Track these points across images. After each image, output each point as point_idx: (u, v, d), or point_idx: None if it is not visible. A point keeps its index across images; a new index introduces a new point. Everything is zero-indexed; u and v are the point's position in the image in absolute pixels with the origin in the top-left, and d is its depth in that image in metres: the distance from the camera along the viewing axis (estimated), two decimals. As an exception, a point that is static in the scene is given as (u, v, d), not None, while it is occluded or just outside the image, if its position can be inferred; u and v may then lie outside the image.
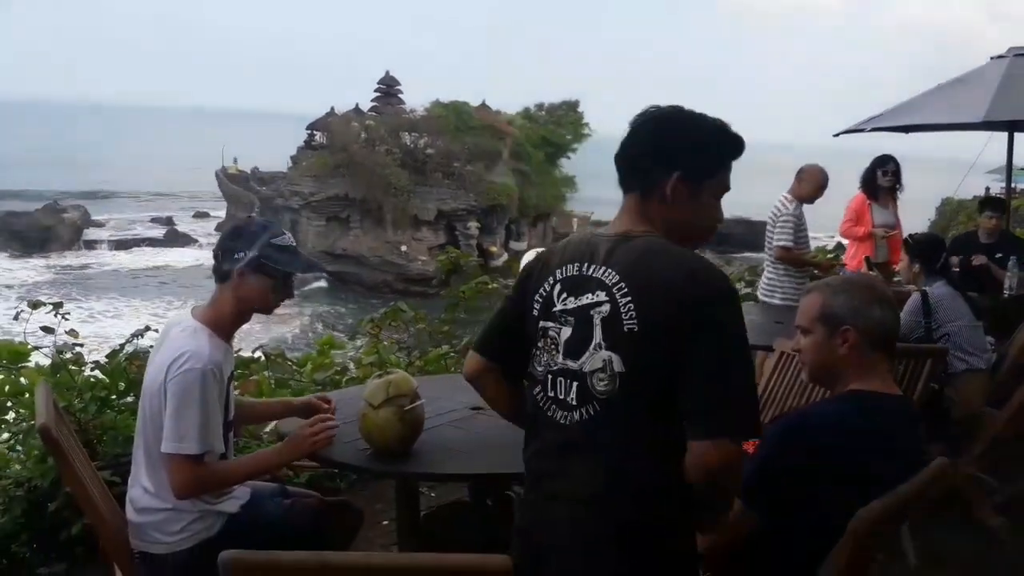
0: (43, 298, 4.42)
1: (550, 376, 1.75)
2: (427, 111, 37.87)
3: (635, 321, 1.65)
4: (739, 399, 1.61)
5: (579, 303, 1.72)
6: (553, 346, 1.75)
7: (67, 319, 4.23)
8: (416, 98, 40.62)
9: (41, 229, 37.26)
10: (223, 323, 2.29)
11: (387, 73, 40.75)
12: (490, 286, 5.89)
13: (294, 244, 2.35)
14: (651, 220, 1.75)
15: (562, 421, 1.72)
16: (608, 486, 1.67)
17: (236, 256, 2.25)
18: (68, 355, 4.06)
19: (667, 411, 1.64)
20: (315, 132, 38.91)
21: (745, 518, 1.87)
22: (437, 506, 2.70)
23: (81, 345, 4.15)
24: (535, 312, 1.80)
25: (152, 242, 40.60)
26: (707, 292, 1.64)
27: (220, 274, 2.29)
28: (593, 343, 1.68)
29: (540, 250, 1.92)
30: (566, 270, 1.76)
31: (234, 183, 40.60)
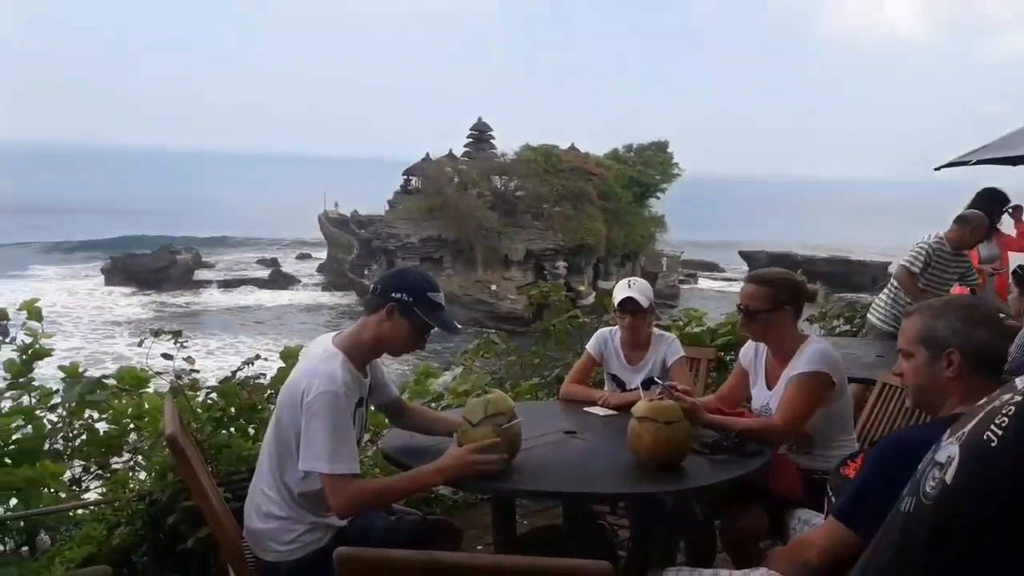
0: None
1: None
2: (517, 155, 38.63)
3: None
4: None
5: None
6: None
7: (185, 347, 4.54)
8: (507, 142, 41.56)
9: (155, 270, 39.56)
10: (359, 352, 2.41)
11: (479, 119, 41.79)
12: (580, 320, 5.95)
13: (444, 304, 2.47)
14: None
15: None
16: None
17: (393, 295, 2.38)
18: (185, 381, 4.34)
19: None
20: (411, 177, 40.21)
21: (846, 540, 1.84)
22: (530, 530, 2.75)
23: (197, 371, 4.42)
24: None
25: (259, 282, 42.36)
26: None
27: (371, 306, 2.42)
28: None
29: None
30: None
31: (334, 226, 42.25)
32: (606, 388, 3.51)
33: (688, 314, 6.03)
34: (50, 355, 4.08)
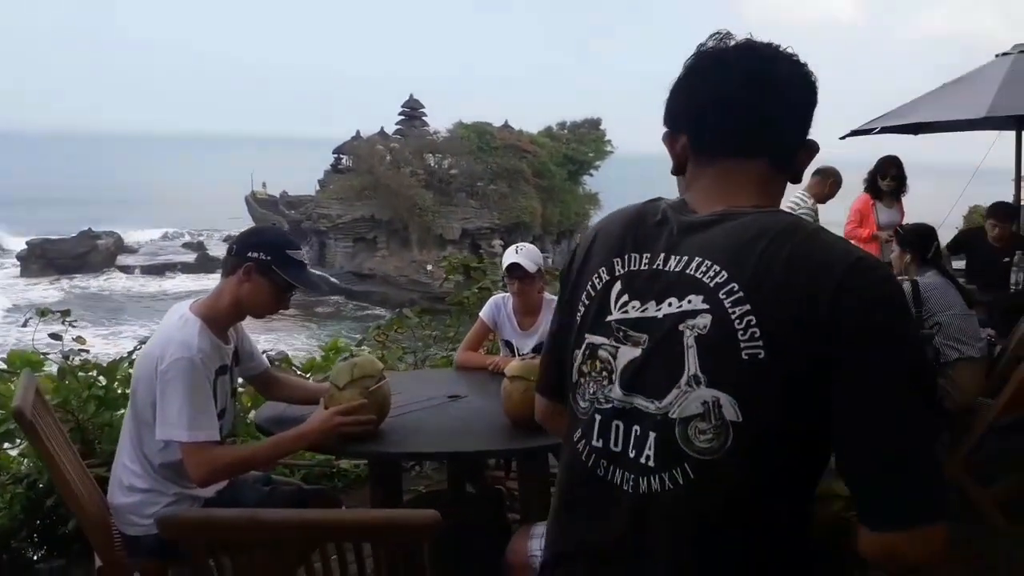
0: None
1: (599, 417, 1.22)
2: (450, 133, 38.34)
3: (760, 344, 1.09)
4: (934, 463, 1.09)
5: (656, 312, 1.19)
6: (605, 374, 1.23)
7: (74, 327, 4.37)
8: (439, 120, 41.16)
9: (75, 256, 38.13)
10: (218, 317, 2.34)
11: (411, 96, 41.28)
12: (495, 292, 5.94)
13: (306, 261, 2.42)
14: (773, 199, 1.26)
15: (626, 488, 1.17)
16: None
17: (249, 255, 2.31)
18: (76, 361, 4.18)
19: (798, 476, 1.15)
20: (342, 156, 39.53)
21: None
22: (413, 496, 2.73)
23: (87, 351, 4.26)
24: (578, 316, 1.29)
25: (185, 267, 41.24)
26: (878, 296, 1.09)
27: (228, 267, 2.35)
28: (685, 376, 1.13)
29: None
30: (628, 260, 1.25)
31: (263, 207, 41.26)
32: (501, 355, 3.51)
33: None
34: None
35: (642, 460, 1.16)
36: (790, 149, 1.26)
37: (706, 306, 1.14)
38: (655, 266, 1.22)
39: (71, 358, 4.14)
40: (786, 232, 1.15)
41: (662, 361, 1.16)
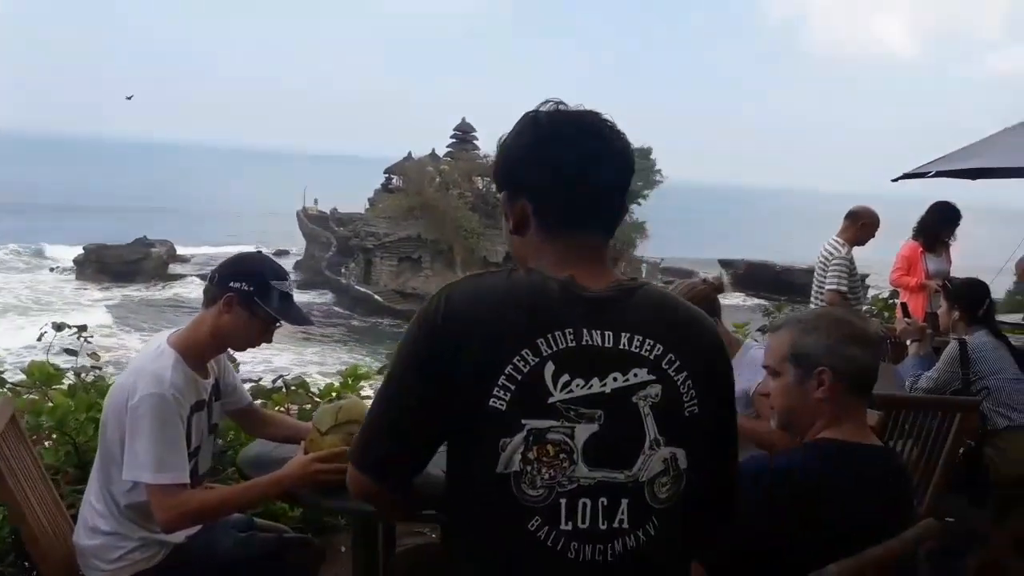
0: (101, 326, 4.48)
1: (564, 499, 1.23)
2: (500, 156, 38.43)
3: (696, 403, 1.30)
4: None
5: (604, 388, 1.24)
6: (563, 456, 1.23)
7: (90, 342, 4.31)
8: (491, 144, 41.30)
9: (128, 262, 39.00)
10: (196, 349, 2.20)
11: (463, 120, 41.60)
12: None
13: (292, 293, 2.28)
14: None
15: (596, 558, 1.23)
16: None
17: (232, 284, 2.17)
18: (89, 378, 4.11)
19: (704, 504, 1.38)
20: (392, 176, 39.92)
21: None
22: (401, 550, 2.55)
23: (99, 368, 4.20)
24: (501, 405, 1.22)
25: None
26: (726, 353, 1.41)
27: (208, 296, 2.23)
28: (648, 440, 1.26)
29: (432, 305, 1.31)
30: (554, 340, 1.24)
31: (313, 223, 41.89)
32: None
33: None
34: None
35: (615, 525, 1.24)
36: (617, 222, 1.40)
37: (653, 377, 1.27)
38: (583, 342, 1.26)
39: (83, 375, 4.09)
40: (674, 299, 1.37)
41: (623, 432, 1.26)
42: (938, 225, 5.64)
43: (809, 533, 1.61)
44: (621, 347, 1.27)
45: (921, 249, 5.69)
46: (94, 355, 4.28)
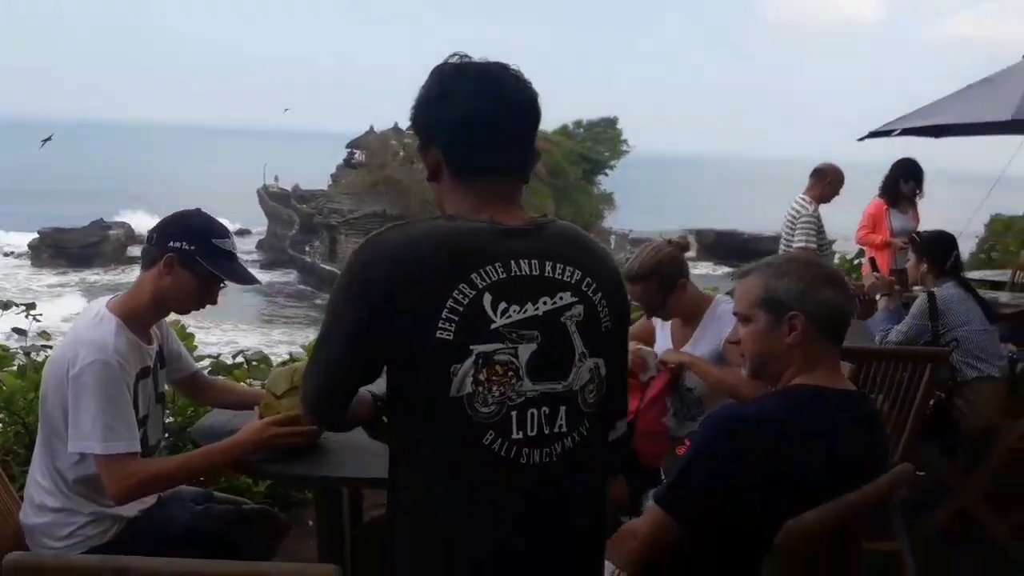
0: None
1: (515, 412, 1.37)
2: (464, 129, 38.09)
3: (610, 319, 1.48)
4: None
5: (538, 311, 1.38)
6: (511, 373, 1.36)
7: (39, 320, 4.16)
8: (454, 116, 40.88)
9: (85, 246, 38.12)
10: (137, 313, 2.11)
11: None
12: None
13: (235, 251, 2.19)
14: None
15: (544, 460, 1.39)
16: (594, 514, 1.50)
17: (171, 244, 2.07)
18: (40, 357, 3.97)
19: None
20: (354, 150, 39.36)
21: (668, 528, 1.63)
22: (369, 520, 2.48)
23: (50, 347, 4.05)
24: (448, 335, 1.33)
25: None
26: (621, 276, 1.61)
27: (147, 258, 2.12)
28: (577, 354, 1.42)
29: (359, 257, 1.42)
30: (486, 273, 1.36)
31: (275, 201, 41.20)
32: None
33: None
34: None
35: (555, 430, 1.40)
36: (528, 168, 1.51)
37: (576, 299, 1.43)
38: (512, 273, 1.39)
39: (33, 354, 3.94)
40: (581, 231, 1.55)
41: (557, 349, 1.41)
42: (898, 179, 5.65)
43: (785, 481, 1.57)
44: (546, 275, 1.41)
45: (886, 207, 5.71)
46: (44, 334, 4.14)
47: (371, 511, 2.84)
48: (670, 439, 2.57)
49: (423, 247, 1.37)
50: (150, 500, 2.17)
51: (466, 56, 1.47)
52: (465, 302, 1.34)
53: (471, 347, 1.34)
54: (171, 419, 3.52)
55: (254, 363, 4.68)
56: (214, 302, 2.17)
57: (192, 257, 2.06)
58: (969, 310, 3.48)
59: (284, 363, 2.18)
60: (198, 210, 2.22)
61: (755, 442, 1.58)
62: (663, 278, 2.63)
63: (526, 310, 1.38)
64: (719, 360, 2.63)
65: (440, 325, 1.33)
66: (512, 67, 1.47)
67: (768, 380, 1.75)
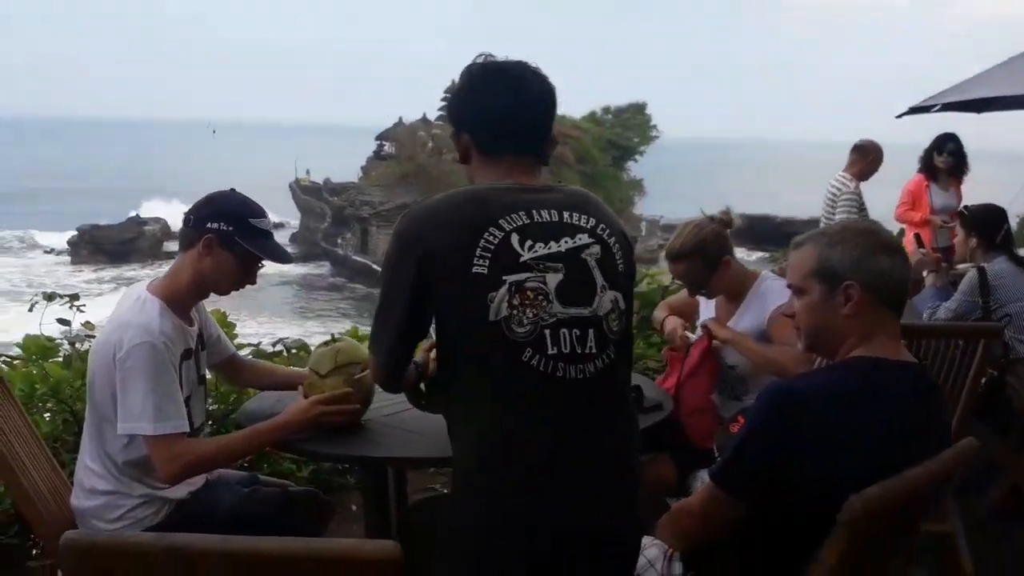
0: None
1: (548, 331, 1.54)
2: (493, 118, 37.97)
3: (623, 261, 1.68)
4: None
5: (560, 248, 1.59)
6: (541, 297, 1.55)
7: (83, 311, 4.21)
8: (483, 105, 40.80)
9: (123, 242, 38.72)
10: (179, 295, 2.12)
11: (453, 82, 40.93)
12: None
13: (271, 230, 2.20)
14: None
15: (578, 376, 1.56)
16: (630, 435, 1.67)
17: (209, 225, 2.08)
18: (85, 346, 4.02)
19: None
20: (384, 143, 39.46)
21: (723, 505, 1.59)
22: (415, 501, 2.47)
23: (94, 336, 4.10)
24: (483, 270, 1.54)
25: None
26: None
27: (186, 240, 2.13)
28: (599, 285, 1.61)
29: (400, 224, 1.66)
30: (511, 219, 1.58)
31: (307, 194, 41.49)
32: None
33: (639, 273, 5.76)
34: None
35: (586, 351, 1.57)
36: (547, 150, 1.74)
37: (592, 240, 1.64)
38: (535, 219, 1.60)
39: (77, 344, 3.99)
40: (592, 194, 1.75)
41: (580, 279, 1.60)
42: (934, 151, 5.50)
43: (841, 455, 1.52)
44: (564, 220, 1.62)
45: (926, 183, 5.57)
46: (88, 324, 4.19)
47: (414, 495, 2.84)
48: (718, 418, 2.53)
49: (455, 202, 1.62)
50: (199, 482, 2.18)
51: (491, 56, 1.73)
52: (495, 242, 1.55)
53: (504, 277, 1.54)
54: (215, 406, 3.55)
55: (293, 351, 4.72)
56: (253, 282, 2.18)
57: (231, 237, 2.07)
58: (1021, 285, 3.38)
59: (326, 343, 2.17)
60: (233, 190, 2.22)
61: (809, 416, 1.53)
62: (707, 256, 2.59)
63: (550, 247, 1.58)
64: (763, 337, 2.58)
65: (476, 262, 1.54)
66: (531, 64, 1.72)
67: (825, 354, 1.70)
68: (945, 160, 5.46)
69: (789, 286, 1.72)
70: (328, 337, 2.27)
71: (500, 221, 1.57)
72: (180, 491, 2.12)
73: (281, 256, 2.21)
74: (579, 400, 1.56)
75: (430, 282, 1.57)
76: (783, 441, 1.53)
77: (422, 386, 1.95)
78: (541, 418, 1.54)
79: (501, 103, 1.68)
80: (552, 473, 1.53)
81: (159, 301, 2.06)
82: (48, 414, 3.49)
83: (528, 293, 1.54)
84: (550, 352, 1.54)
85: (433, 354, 1.90)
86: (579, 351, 1.56)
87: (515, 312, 1.53)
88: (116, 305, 2.16)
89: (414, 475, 2.73)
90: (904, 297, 1.65)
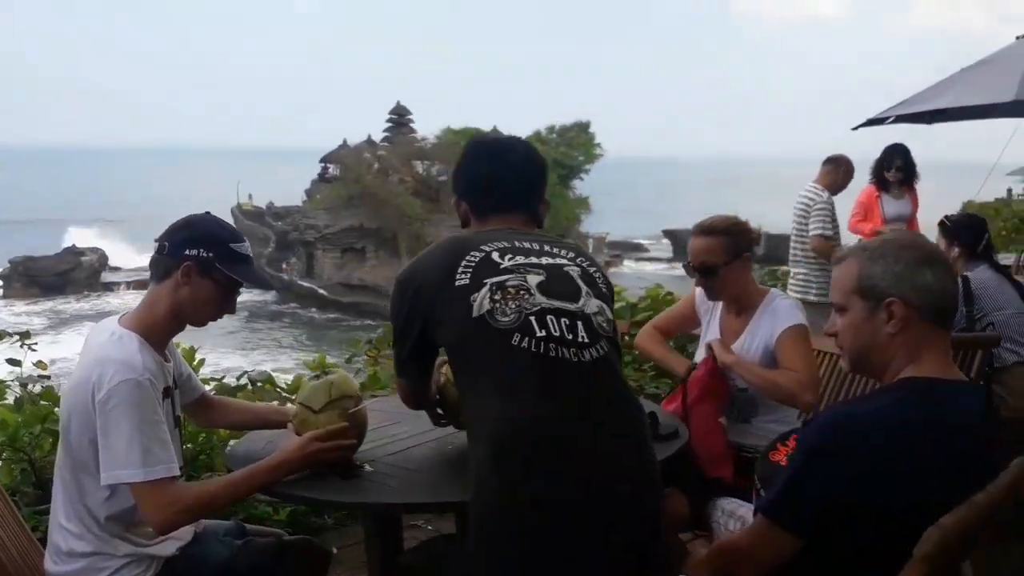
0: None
1: (533, 317, 1.62)
2: (439, 139, 37.91)
3: (604, 284, 1.80)
4: None
5: (540, 260, 1.72)
6: (523, 291, 1.65)
7: (34, 350, 3.94)
8: (428, 126, 40.83)
9: (58, 274, 37.35)
10: (156, 329, 1.94)
11: (398, 103, 40.87)
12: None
13: (251, 255, 2.05)
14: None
15: (574, 359, 1.62)
16: (638, 414, 1.72)
17: (188, 252, 1.91)
18: (36, 389, 3.76)
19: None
20: (328, 165, 39.03)
21: (777, 541, 1.49)
22: (417, 544, 2.32)
23: (48, 377, 3.84)
24: (465, 281, 1.68)
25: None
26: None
27: (161, 269, 1.95)
28: (583, 291, 1.71)
29: (403, 271, 1.85)
30: (492, 245, 1.74)
31: (249, 219, 40.67)
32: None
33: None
34: None
35: (579, 339, 1.64)
36: (538, 207, 1.94)
37: (571, 263, 1.77)
38: (515, 245, 1.75)
39: (29, 386, 3.73)
40: (566, 239, 1.94)
41: (561, 283, 1.71)
42: (884, 161, 5.57)
43: (905, 484, 1.44)
44: (545, 249, 1.77)
45: (877, 194, 5.61)
46: (40, 363, 3.93)
47: (409, 541, 2.68)
48: (728, 442, 2.44)
49: (442, 246, 1.79)
50: (187, 536, 1.99)
51: (490, 134, 2.09)
52: (477, 259, 1.70)
53: (484, 280, 1.66)
54: (185, 446, 3.34)
55: (259, 383, 4.50)
56: (232, 311, 2.02)
57: (211, 264, 1.91)
58: (1004, 293, 3.40)
59: (317, 376, 2.04)
60: (208, 214, 2.06)
61: (870, 444, 1.45)
62: (736, 241, 2.54)
63: (530, 260, 1.72)
64: (770, 356, 2.51)
65: (458, 277, 1.67)
66: (521, 138, 2.01)
67: (871, 375, 1.62)
68: (894, 175, 5.53)
69: (832, 304, 1.65)
70: (311, 373, 2.15)
71: (482, 246, 1.73)
72: (168, 547, 1.93)
73: (264, 282, 2.11)
74: (579, 379, 1.61)
75: (424, 307, 1.73)
76: (844, 471, 1.44)
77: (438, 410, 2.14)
78: (544, 396, 1.59)
79: (488, 169, 1.90)
80: (561, 450, 1.57)
81: (136, 336, 1.88)
82: (0, 463, 3.23)
83: (510, 289, 1.65)
84: (539, 334, 1.61)
85: (444, 369, 2.05)
86: (570, 337, 1.62)
87: (497, 305, 1.63)
88: (85, 342, 1.97)
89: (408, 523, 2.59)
90: (952, 311, 1.59)
